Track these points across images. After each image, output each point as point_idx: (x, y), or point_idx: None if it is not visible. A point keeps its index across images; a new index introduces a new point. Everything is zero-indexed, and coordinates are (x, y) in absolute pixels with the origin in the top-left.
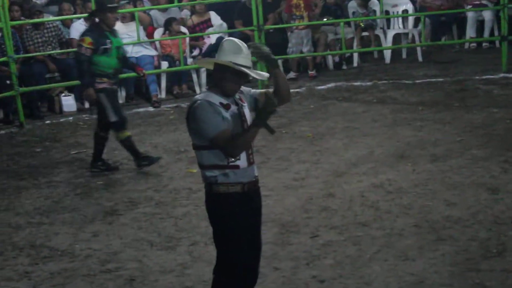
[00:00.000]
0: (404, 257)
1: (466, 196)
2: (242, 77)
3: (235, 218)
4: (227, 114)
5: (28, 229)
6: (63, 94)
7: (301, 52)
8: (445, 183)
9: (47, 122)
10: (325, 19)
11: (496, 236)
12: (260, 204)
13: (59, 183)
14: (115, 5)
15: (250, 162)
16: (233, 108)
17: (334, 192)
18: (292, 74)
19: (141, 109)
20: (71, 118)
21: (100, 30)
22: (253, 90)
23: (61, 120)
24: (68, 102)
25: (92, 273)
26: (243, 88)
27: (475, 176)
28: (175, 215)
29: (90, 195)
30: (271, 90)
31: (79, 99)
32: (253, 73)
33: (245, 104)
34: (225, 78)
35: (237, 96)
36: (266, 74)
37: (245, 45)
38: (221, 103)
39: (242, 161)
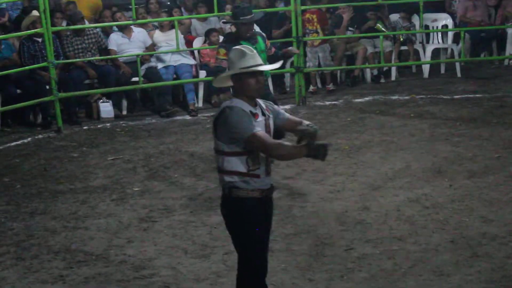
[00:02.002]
0: (440, 273)
1: (503, 213)
2: (258, 75)
3: (252, 221)
4: (256, 123)
5: (63, 233)
6: (101, 100)
7: (319, 66)
8: (482, 199)
9: (85, 127)
10: (375, 27)
11: None
12: (272, 210)
13: (95, 189)
14: (248, 17)
15: (268, 173)
16: (261, 118)
17: (370, 205)
18: (311, 88)
19: (178, 117)
20: (109, 124)
21: (234, 39)
22: (282, 111)
23: (99, 126)
24: (106, 108)
25: (126, 278)
26: (273, 105)
27: None
28: (210, 224)
29: (126, 201)
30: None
31: (116, 106)
32: (264, 68)
33: (271, 116)
34: (245, 83)
35: (263, 105)
36: (277, 65)
37: (248, 47)
38: (251, 112)
39: (261, 171)
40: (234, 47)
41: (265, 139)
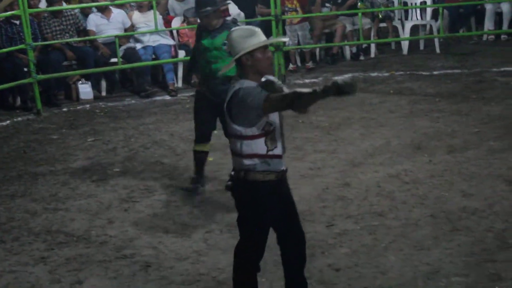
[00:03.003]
0: (420, 247)
1: (482, 187)
2: (269, 51)
3: (267, 205)
4: None
5: (44, 215)
6: (80, 82)
7: (299, 44)
8: (461, 174)
9: (64, 109)
10: (359, 6)
11: None
12: (289, 191)
13: (76, 170)
14: (203, 10)
15: (284, 151)
16: None
17: (350, 181)
18: (291, 66)
19: (157, 98)
20: (88, 105)
21: (199, 29)
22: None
23: (78, 107)
24: (85, 90)
25: (108, 259)
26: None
27: (492, 167)
28: (191, 203)
29: (106, 182)
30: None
31: (96, 87)
32: (276, 40)
33: None
34: (257, 60)
35: None
36: (285, 39)
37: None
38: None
39: (279, 150)
40: (236, 29)
41: (280, 95)
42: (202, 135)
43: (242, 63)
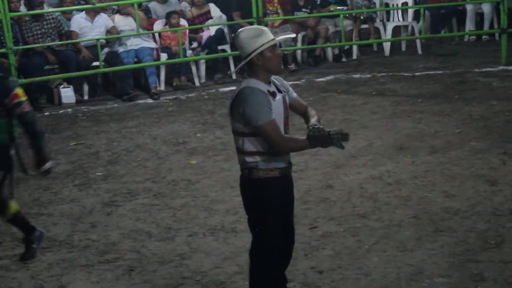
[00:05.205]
0: (403, 248)
1: (465, 187)
2: (277, 48)
3: (273, 201)
4: (274, 103)
5: None
6: (62, 85)
7: (280, 47)
8: (444, 174)
9: (46, 113)
10: (332, 9)
11: (494, 227)
12: (292, 187)
13: (58, 175)
14: None
15: None
16: (279, 96)
17: (333, 183)
18: None
19: (140, 101)
20: (70, 109)
21: None
22: (290, 88)
23: (60, 111)
24: (67, 93)
25: (91, 263)
26: (282, 80)
27: (474, 168)
28: (174, 206)
29: (89, 186)
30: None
31: (78, 91)
32: (284, 37)
33: (286, 92)
34: (268, 59)
35: (277, 82)
36: (292, 34)
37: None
38: (268, 91)
39: None
40: (243, 30)
41: (278, 132)
42: None
43: (253, 62)
